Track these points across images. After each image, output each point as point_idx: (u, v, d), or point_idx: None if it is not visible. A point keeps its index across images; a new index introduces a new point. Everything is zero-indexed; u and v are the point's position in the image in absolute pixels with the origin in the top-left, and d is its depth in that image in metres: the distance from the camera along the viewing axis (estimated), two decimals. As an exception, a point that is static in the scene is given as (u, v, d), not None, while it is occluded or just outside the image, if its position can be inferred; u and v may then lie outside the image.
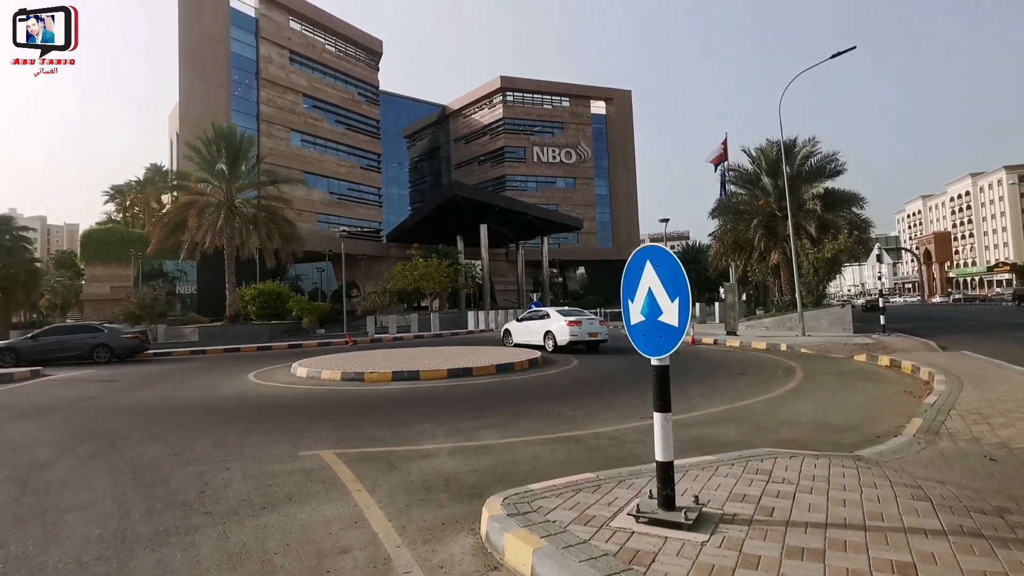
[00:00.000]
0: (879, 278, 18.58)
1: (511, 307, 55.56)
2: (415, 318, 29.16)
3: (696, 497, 3.60)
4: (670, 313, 3.45)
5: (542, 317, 17.56)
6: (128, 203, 51.18)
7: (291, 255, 28.90)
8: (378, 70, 59.18)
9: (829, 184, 23.50)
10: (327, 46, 52.97)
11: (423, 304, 52.43)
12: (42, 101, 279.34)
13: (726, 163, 31.35)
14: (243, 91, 45.96)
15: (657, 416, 3.43)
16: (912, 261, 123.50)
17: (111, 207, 50.33)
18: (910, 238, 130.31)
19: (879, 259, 17.72)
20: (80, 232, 53.80)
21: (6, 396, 11.07)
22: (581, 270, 77.02)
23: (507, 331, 19.45)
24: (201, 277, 41.24)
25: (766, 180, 24.52)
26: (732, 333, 19.57)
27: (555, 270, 75.66)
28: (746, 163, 26.22)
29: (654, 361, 3.49)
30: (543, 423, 7.06)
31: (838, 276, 44.83)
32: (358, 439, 6.45)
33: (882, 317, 17.88)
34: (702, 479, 4.12)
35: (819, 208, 21.88)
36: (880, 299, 18.38)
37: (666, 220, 28.21)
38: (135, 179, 47.87)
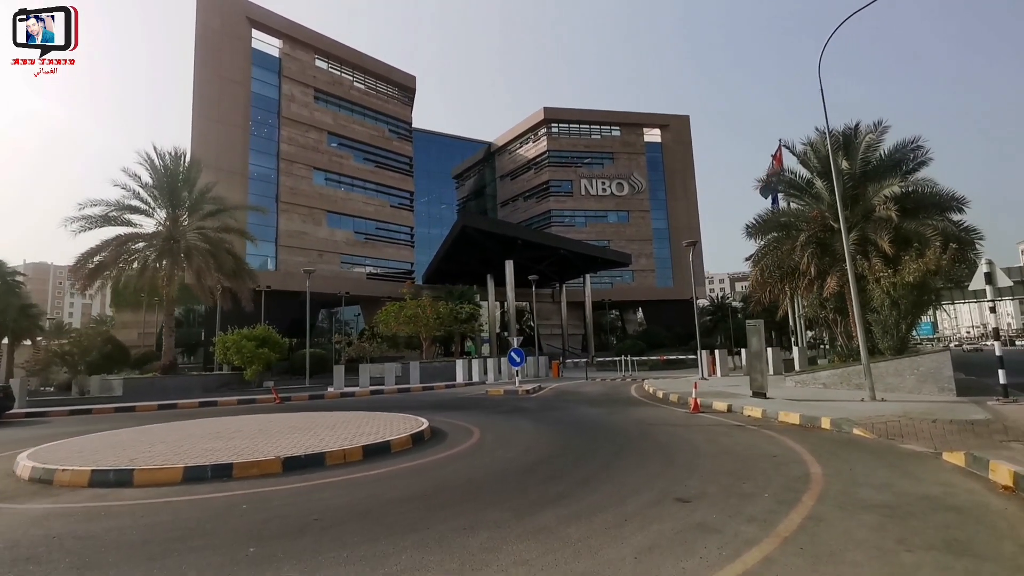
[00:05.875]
0: (991, 309, 11.78)
1: (556, 352, 50.12)
2: (392, 368, 24.56)
3: None
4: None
5: None
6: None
7: (248, 294, 25.40)
8: (411, 106, 57.23)
9: (906, 183, 17.00)
10: (355, 83, 51.61)
11: (459, 348, 48.12)
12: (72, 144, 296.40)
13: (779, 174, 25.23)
14: (264, 130, 44.83)
15: None
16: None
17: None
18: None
19: (989, 279, 11.16)
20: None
21: None
22: (640, 312, 70.27)
23: None
24: (207, 324, 39.26)
25: (819, 184, 18.24)
26: (759, 394, 13.39)
27: (615, 312, 69.28)
28: (795, 166, 20.12)
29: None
30: None
31: (943, 312, 36.00)
32: None
33: (1001, 372, 11.19)
34: None
35: (895, 214, 15.40)
36: (996, 342, 11.69)
37: (693, 243, 22.35)
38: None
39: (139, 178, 22.89)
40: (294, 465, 7.45)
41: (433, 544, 4.34)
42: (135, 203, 22.96)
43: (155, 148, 22.78)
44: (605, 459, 7.61)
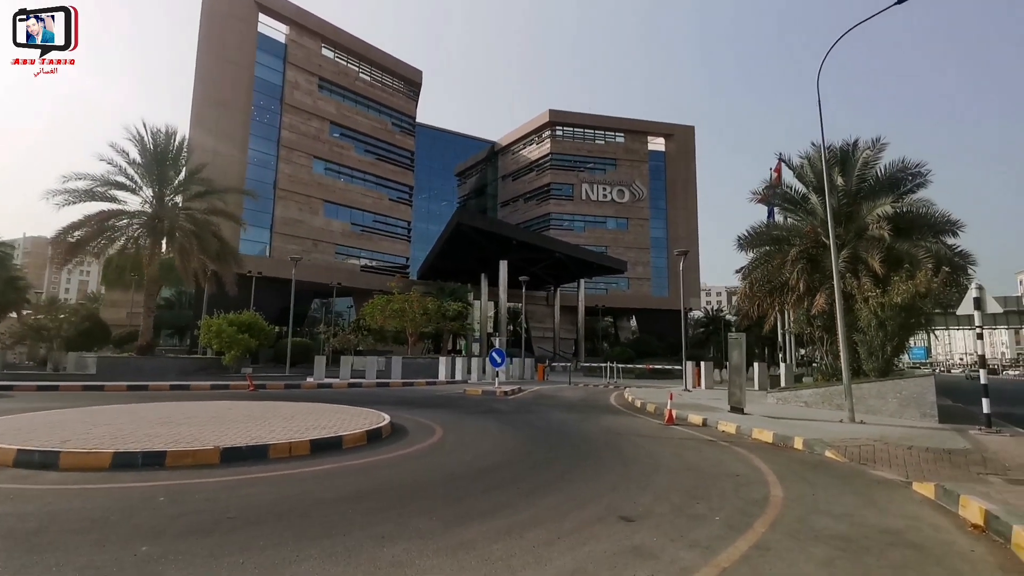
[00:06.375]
0: (978, 336, 11.42)
1: (546, 355, 49.75)
2: (373, 362, 24.21)
3: None
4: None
5: None
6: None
7: (232, 278, 25.02)
8: (416, 101, 56.93)
9: (901, 203, 16.67)
10: (361, 74, 51.28)
11: (450, 347, 47.76)
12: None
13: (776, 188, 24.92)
14: (266, 116, 44.45)
15: None
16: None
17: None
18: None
19: (978, 304, 10.83)
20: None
21: None
22: (634, 319, 69.90)
23: None
24: (198, 307, 38.87)
25: (814, 199, 17.92)
26: (737, 409, 13.05)
27: (609, 319, 68.85)
28: (791, 180, 19.80)
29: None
30: None
31: (934, 337, 35.83)
32: None
33: (985, 401, 10.87)
34: None
35: (887, 234, 15.08)
36: (981, 370, 11.35)
37: (684, 252, 22.05)
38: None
39: (127, 154, 22.56)
40: (233, 456, 7.10)
41: (341, 553, 4.00)
42: (121, 179, 22.61)
43: (144, 124, 22.53)
44: (561, 469, 7.26)
